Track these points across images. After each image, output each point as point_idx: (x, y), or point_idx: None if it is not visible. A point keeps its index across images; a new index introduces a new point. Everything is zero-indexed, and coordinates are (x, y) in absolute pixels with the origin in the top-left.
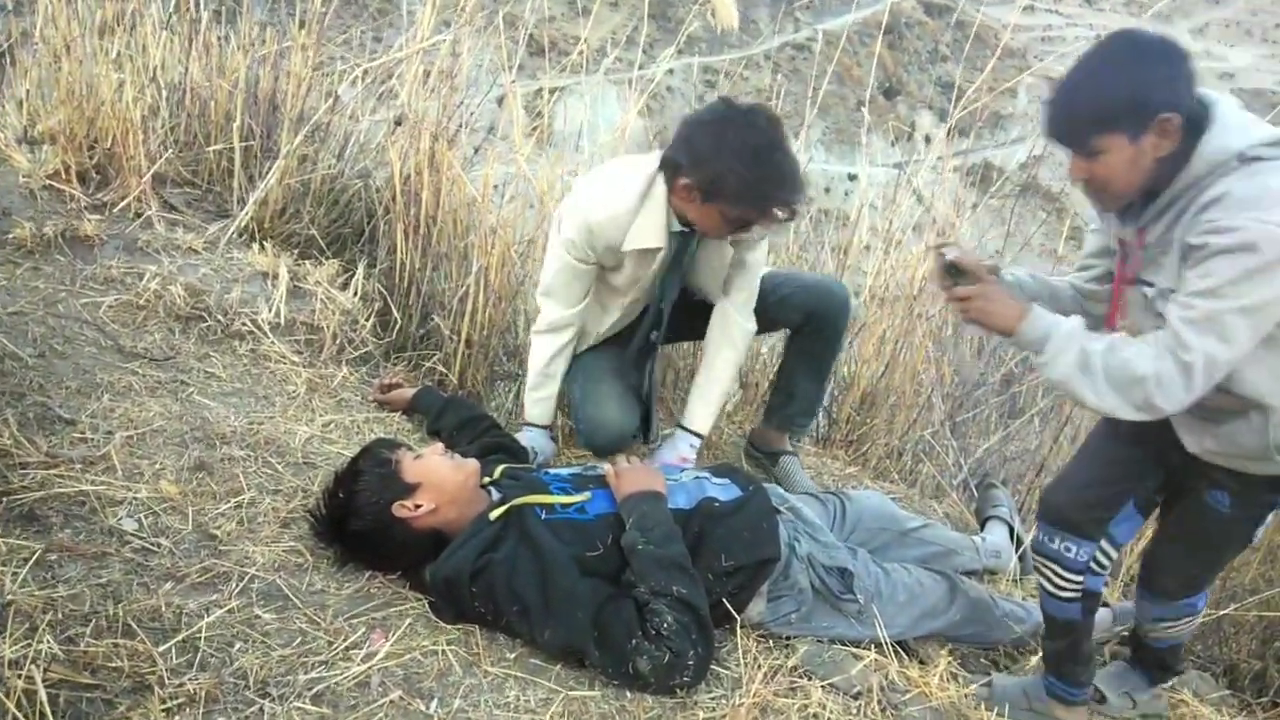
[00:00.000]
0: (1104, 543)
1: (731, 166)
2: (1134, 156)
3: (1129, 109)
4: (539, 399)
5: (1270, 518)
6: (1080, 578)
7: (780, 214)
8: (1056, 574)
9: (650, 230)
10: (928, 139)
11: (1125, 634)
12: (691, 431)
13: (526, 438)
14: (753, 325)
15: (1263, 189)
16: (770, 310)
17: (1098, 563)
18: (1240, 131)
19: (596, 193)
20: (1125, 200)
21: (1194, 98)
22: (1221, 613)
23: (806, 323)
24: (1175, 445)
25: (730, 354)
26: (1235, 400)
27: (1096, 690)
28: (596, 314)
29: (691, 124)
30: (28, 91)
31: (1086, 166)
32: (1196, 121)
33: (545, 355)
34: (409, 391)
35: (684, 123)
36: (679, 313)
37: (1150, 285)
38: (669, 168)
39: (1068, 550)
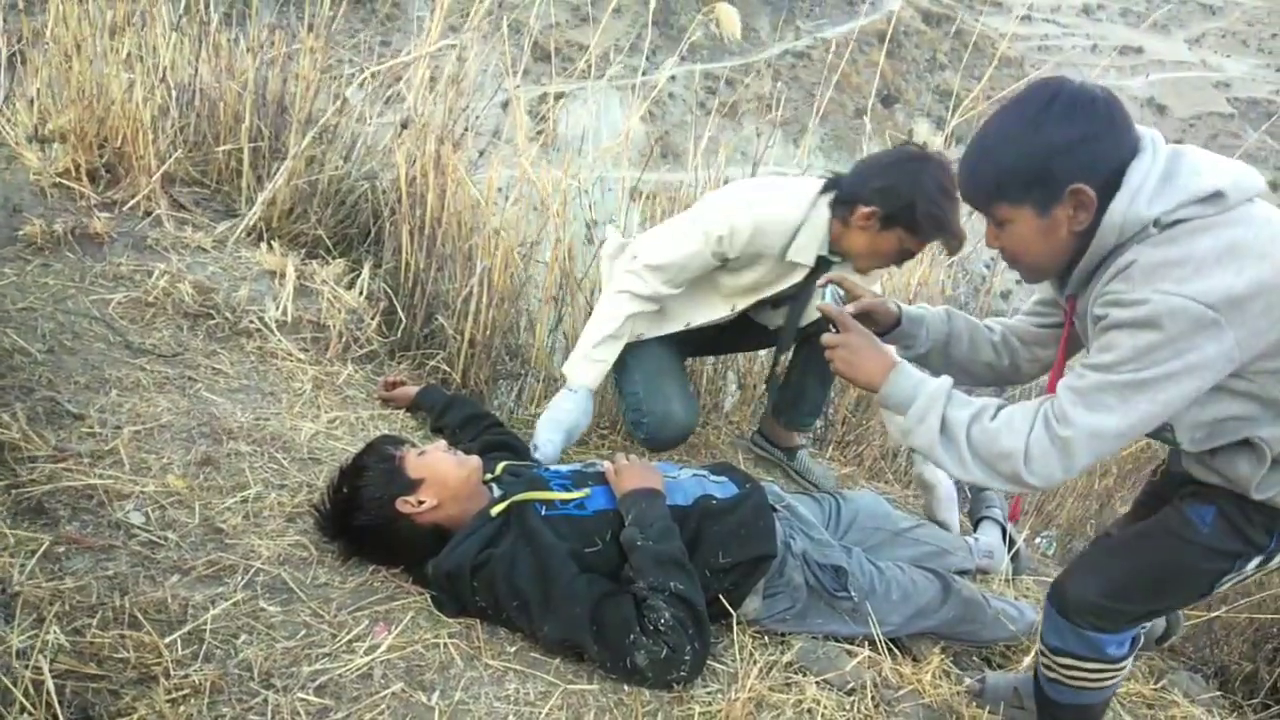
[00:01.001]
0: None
1: (925, 196)
2: (1044, 229)
3: (1034, 179)
4: (599, 359)
5: (1249, 568)
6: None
7: (949, 235)
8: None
9: (807, 246)
10: (925, 146)
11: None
12: None
13: (570, 402)
14: None
15: (1174, 256)
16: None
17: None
18: (1158, 193)
19: (767, 197)
20: (1045, 274)
21: (1118, 157)
22: (1213, 614)
23: (816, 332)
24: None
25: None
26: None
27: (981, 679)
28: (691, 307)
29: (880, 161)
30: (38, 90)
31: (996, 235)
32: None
33: (621, 317)
34: (413, 389)
35: (868, 160)
36: (733, 329)
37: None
38: (847, 197)
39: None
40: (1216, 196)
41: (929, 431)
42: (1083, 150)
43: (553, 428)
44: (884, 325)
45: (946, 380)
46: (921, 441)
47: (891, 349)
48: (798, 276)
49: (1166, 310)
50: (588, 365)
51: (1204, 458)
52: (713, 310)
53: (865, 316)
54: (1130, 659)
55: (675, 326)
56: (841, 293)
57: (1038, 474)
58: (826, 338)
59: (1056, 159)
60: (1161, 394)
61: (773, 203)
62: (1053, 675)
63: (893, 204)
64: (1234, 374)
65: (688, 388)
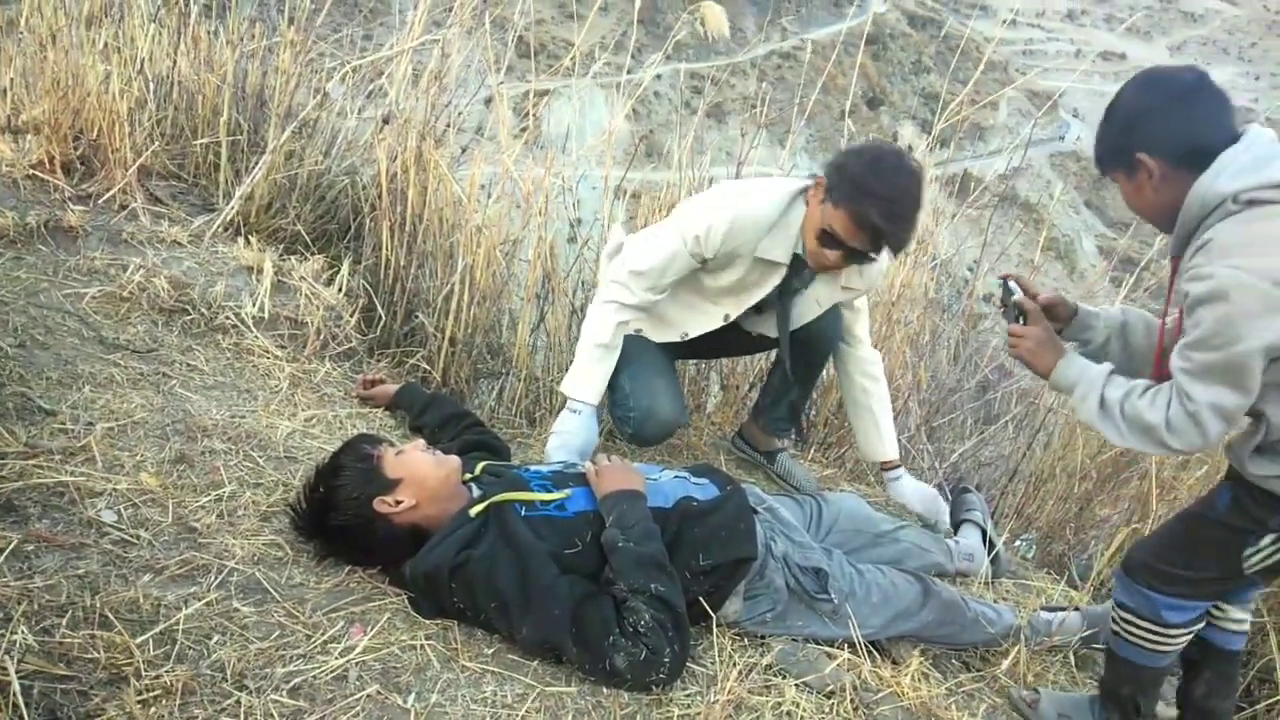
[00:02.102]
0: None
1: (874, 180)
2: (1135, 190)
3: (1113, 149)
4: (598, 375)
5: (1265, 544)
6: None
7: (873, 233)
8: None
9: (780, 243)
10: (910, 149)
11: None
12: (894, 464)
13: (575, 422)
14: (878, 355)
15: (1248, 235)
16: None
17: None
18: (1242, 173)
19: (745, 196)
20: (1156, 224)
21: (1191, 133)
22: None
23: (804, 341)
24: None
25: (881, 388)
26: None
27: (1035, 691)
28: (686, 314)
29: (857, 146)
30: (12, 80)
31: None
32: (1206, 157)
33: (610, 326)
34: (392, 388)
35: (851, 146)
36: (720, 333)
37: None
38: (817, 180)
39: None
40: (1263, 189)
41: (1090, 409)
42: (1155, 123)
43: (565, 452)
44: (1062, 319)
45: (1107, 366)
46: (1085, 417)
47: (1067, 345)
48: (777, 277)
49: (1234, 284)
50: (587, 382)
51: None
52: (707, 319)
53: (1046, 310)
54: (1185, 635)
55: (672, 336)
56: (1017, 290)
57: (1180, 442)
58: (1013, 328)
59: (1130, 131)
60: (1254, 364)
61: (748, 200)
62: (1116, 629)
63: (838, 178)
64: None
65: (676, 386)
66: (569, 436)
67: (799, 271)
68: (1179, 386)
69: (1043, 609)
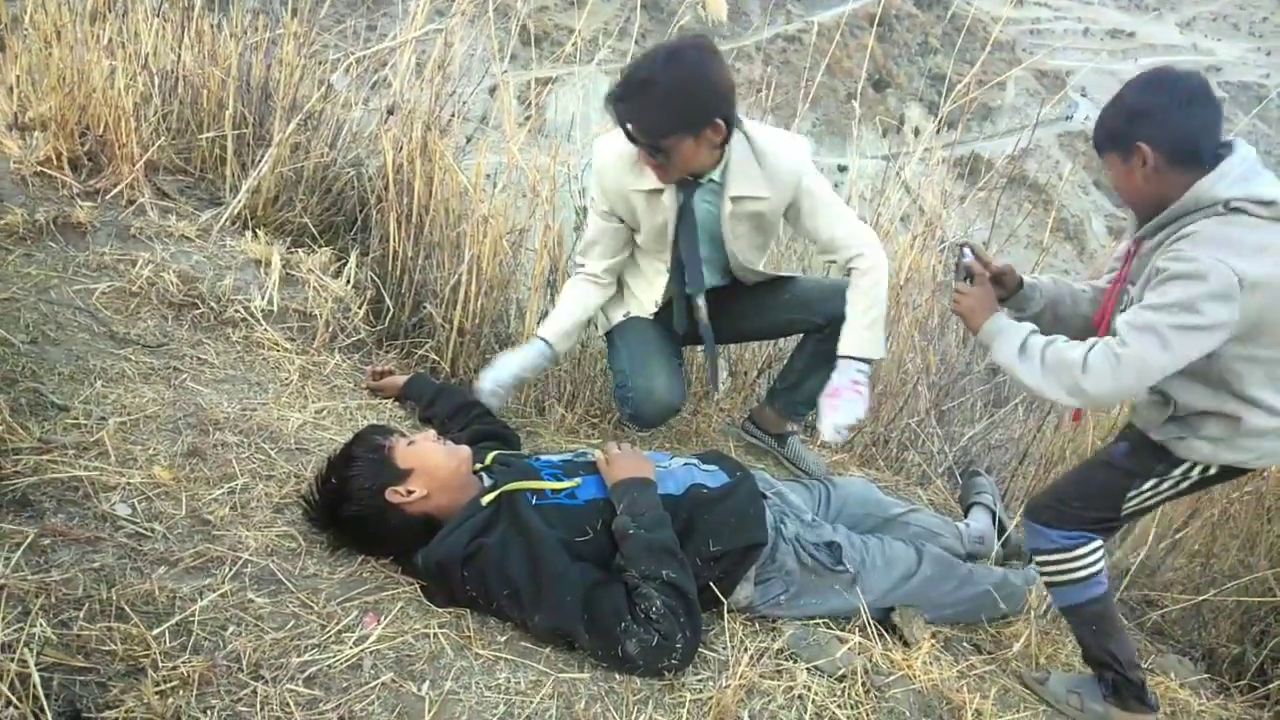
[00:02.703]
0: None
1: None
2: (1126, 174)
3: (1115, 133)
4: (551, 318)
5: (1145, 488)
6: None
7: (612, 114)
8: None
9: (644, 169)
10: (917, 131)
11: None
12: (853, 357)
13: (510, 358)
14: (872, 257)
15: (1230, 236)
16: (792, 314)
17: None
18: (1236, 183)
19: (607, 140)
20: (1132, 207)
21: (1188, 134)
22: (1201, 598)
23: (827, 325)
24: None
25: (865, 281)
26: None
27: (1045, 672)
28: (643, 284)
29: None
30: (18, 78)
31: (1107, 169)
32: (1196, 159)
33: (569, 290)
34: (400, 379)
35: None
36: (728, 307)
37: (1129, 291)
38: None
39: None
40: (1272, 204)
41: (1010, 351)
42: (1157, 118)
43: (488, 376)
44: (1009, 289)
45: (1030, 325)
46: (1002, 358)
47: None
48: (665, 200)
49: (1213, 271)
50: (546, 322)
51: (1137, 404)
52: (657, 278)
53: (996, 279)
54: (1091, 556)
55: (648, 308)
56: (970, 257)
57: (1092, 383)
58: (959, 286)
59: (1135, 121)
60: (1193, 342)
61: (610, 143)
62: (1046, 580)
63: None
64: None
65: (676, 368)
66: (503, 363)
67: (690, 195)
68: (1117, 333)
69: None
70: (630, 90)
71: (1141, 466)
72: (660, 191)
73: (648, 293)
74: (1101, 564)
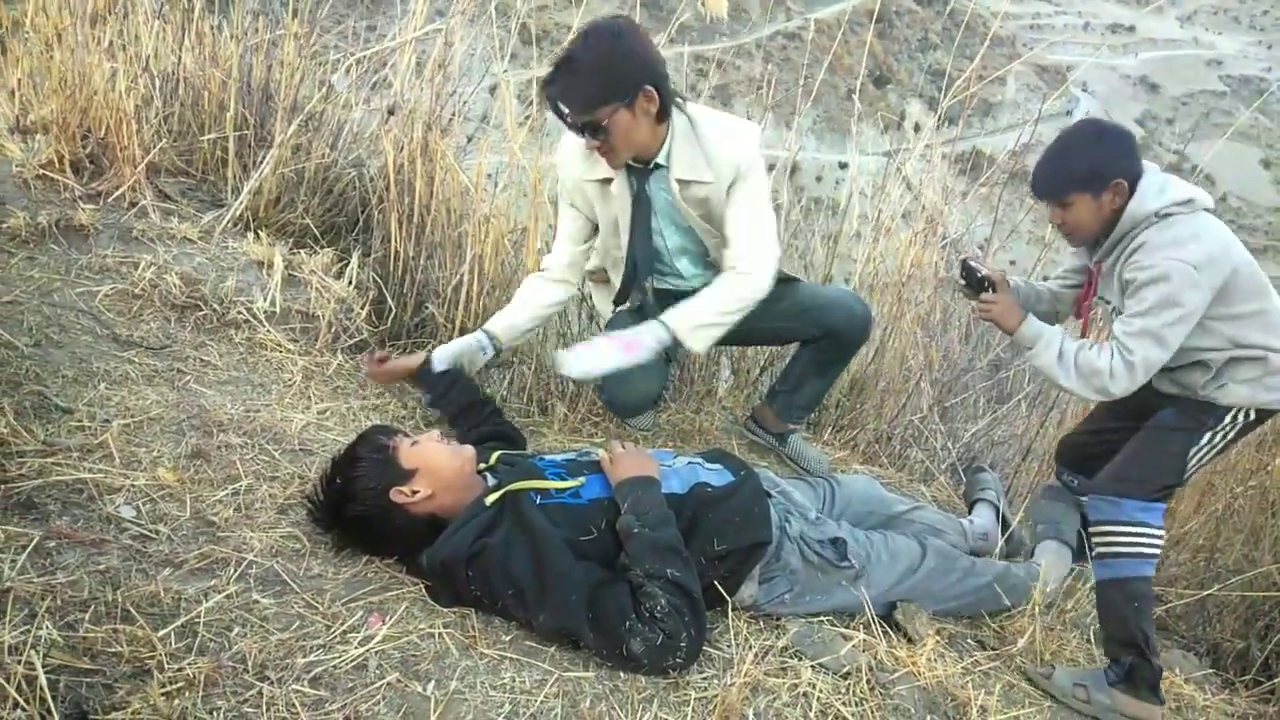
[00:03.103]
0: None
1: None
2: (1095, 210)
3: (1094, 175)
4: (500, 314)
5: (1203, 442)
6: (1085, 497)
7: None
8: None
9: (603, 159)
10: (917, 127)
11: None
12: (670, 328)
13: (449, 347)
14: (741, 268)
15: (1171, 237)
16: (790, 323)
17: None
18: (1156, 196)
19: (568, 133)
20: (1088, 240)
21: (1135, 170)
22: (1205, 593)
23: (824, 337)
24: (1151, 402)
25: (737, 284)
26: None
27: (1050, 667)
28: (614, 274)
29: None
30: (19, 81)
31: (1061, 214)
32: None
33: (522, 287)
34: (409, 361)
35: None
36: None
37: (1108, 302)
38: None
39: (1071, 480)
40: (1188, 202)
41: (1051, 356)
42: (1123, 158)
43: (438, 357)
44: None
45: (1059, 327)
46: (1042, 362)
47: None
48: (617, 190)
49: (1172, 269)
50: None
51: (1170, 373)
52: (616, 270)
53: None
54: (1158, 531)
55: (614, 298)
56: (983, 268)
57: (1117, 386)
58: (985, 295)
59: (1109, 163)
60: (1181, 329)
61: (565, 137)
62: (1102, 550)
63: None
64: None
65: (658, 359)
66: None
67: (643, 183)
68: (1120, 344)
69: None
70: (557, 72)
71: (1195, 422)
72: (609, 181)
73: (617, 278)
74: (1162, 541)
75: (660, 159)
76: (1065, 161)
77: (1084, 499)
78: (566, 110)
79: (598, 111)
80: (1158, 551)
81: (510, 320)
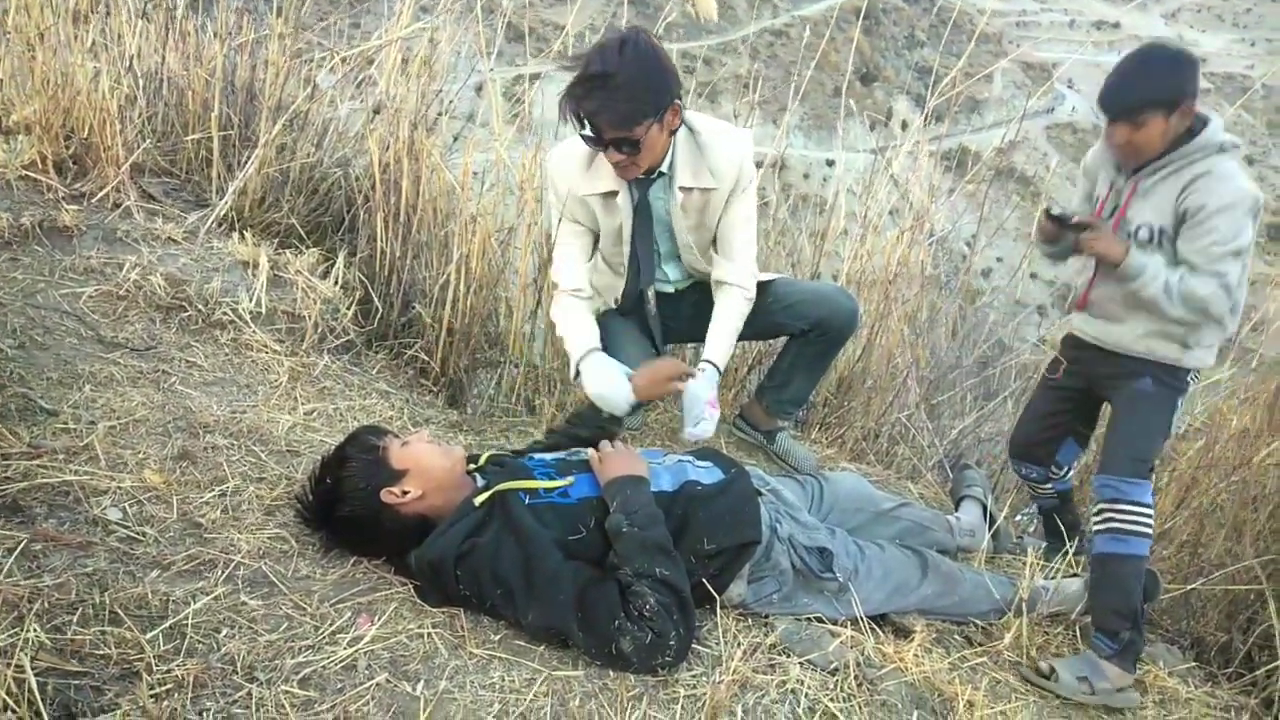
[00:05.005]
0: (1052, 467)
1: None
2: (1165, 130)
3: (1170, 95)
4: (579, 332)
5: (1181, 402)
6: (1047, 485)
7: (573, 116)
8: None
9: (604, 173)
10: (904, 124)
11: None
12: (716, 366)
13: (598, 370)
14: (743, 285)
15: (1232, 169)
16: (777, 317)
17: (1052, 475)
18: (1222, 129)
19: (559, 147)
20: (1144, 160)
21: (1198, 94)
22: (1189, 587)
23: (812, 330)
24: (1104, 380)
25: (735, 301)
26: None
27: (1051, 669)
28: (609, 282)
29: None
30: (1, 81)
31: (1130, 133)
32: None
33: (569, 311)
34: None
35: None
36: (685, 307)
37: (1141, 227)
38: None
39: (1029, 473)
40: (1234, 146)
41: (1159, 286)
42: (1193, 81)
43: (610, 388)
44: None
45: (1160, 257)
46: (1151, 293)
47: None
48: (620, 202)
49: (1240, 196)
50: (575, 335)
51: (1171, 330)
52: (614, 277)
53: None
54: (1151, 514)
55: (609, 303)
56: (1072, 213)
57: (1219, 307)
58: (1087, 232)
59: (1184, 84)
60: (1250, 253)
61: (564, 144)
62: (1113, 527)
63: None
64: None
65: (648, 357)
66: (601, 381)
67: (645, 192)
68: (1213, 269)
69: (1041, 583)
70: (592, 86)
71: (1170, 388)
72: (615, 194)
73: (610, 291)
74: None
75: (663, 167)
76: (1146, 79)
77: (1056, 485)
78: (602, 126)
79: (636, 128)
80: (1153, 531)
81: (596, 335)
